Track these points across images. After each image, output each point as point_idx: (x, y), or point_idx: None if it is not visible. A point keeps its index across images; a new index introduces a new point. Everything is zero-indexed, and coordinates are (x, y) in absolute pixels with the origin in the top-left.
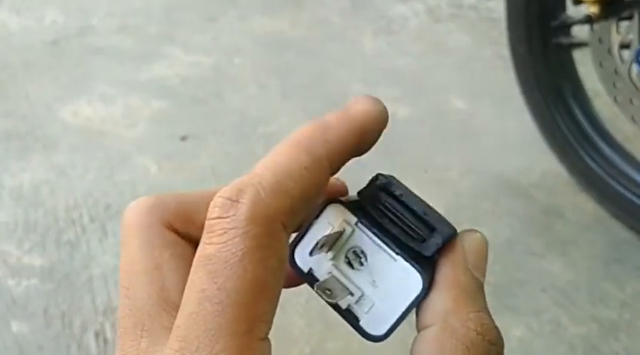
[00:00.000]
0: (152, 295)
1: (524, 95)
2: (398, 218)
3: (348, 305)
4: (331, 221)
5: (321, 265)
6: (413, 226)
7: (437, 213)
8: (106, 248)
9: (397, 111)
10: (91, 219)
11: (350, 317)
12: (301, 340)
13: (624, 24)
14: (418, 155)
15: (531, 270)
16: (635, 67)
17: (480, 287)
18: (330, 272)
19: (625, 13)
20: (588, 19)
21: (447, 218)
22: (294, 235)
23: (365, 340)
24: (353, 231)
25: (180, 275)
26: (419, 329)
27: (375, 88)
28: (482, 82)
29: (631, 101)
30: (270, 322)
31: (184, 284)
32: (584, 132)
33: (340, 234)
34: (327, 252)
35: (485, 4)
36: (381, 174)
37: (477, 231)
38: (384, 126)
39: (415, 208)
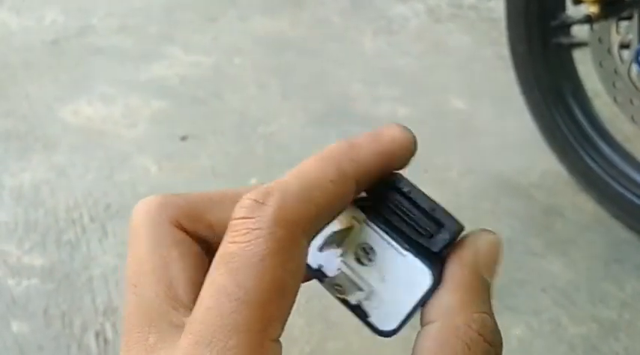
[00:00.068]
0: (160, 293)
1: (524, 95)
2: (406, 214)
3: (358, 301)
4: (340, 218)
5: (331, 261)
6: (421, 222)
7: (444, 209)
8: (106, 248)
9: (397, 111)
10: (91, 218)
11: (360, 312)
12: (301, 340)
13: (624, 24)
14: (418, 155)
15: (531, 270)
16: (634, 67)
17: (487, 289)
18: (339, 269)
19: (625, 13)
20: (588, 19)
21: None
22: None
23: (377, 336)
24: (362, 227)
25: (188, 274)
26: (423, 324)
27: (375, 88)
28: (482, 82)
29: (631, 101)
30: (284, 324)
31: (192, 283)
32: (584, 132)
33: (349, 230)
34: (336, 248)
35: (486, 4)
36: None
37: (492, 232)
38: (412, 153)
39: (423, 205)
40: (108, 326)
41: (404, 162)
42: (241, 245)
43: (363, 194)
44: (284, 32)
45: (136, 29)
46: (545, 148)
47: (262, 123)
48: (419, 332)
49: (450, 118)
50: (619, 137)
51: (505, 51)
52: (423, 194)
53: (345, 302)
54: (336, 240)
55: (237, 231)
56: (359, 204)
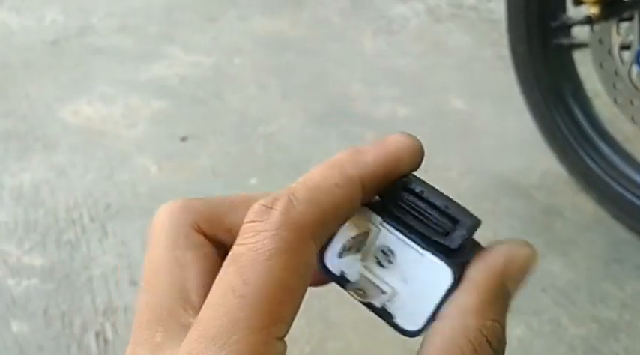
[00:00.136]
0: (172, 293)
1: (525, 95)
2: (421, 214)
3: (382, 304)
4: (357, 223)
5: (352, 267)
6: (437, 221)
7: (459, 205)
8: (106, 248)
9: (397, 111)
10: (91, 218)
11: (385, 314)
12: (301, 340)
13: (624, 25)
14: None
15: None
16: (635, 68)
17: (507, 300)
18: (361, 273)
19: (625, 14)
20: (588, 20)
21: None
22: None
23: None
24: (379, 230)
25: (202, 277)
26: (435, 318)
27: (375, 88)
28: (483, 82)
29: (631, 102)
30: (289, 325)
31: (204, 286)
32: (584, 132)
33: (367, 234)
34: (355, 253)
35: (486, 4)
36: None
37: (531, 246)
38: (419, 157)
39: (437, 203)
40: (108, 326)
41: (412, 165)
42: (249, 246)
43: (378, 198)
44: (284, 32)
45: (136, 29)
46: (545, 148)
47: (262, 123)
48: (431, 325)
49: (450, 118)
50: (619, 138)
51: (505, 51)
52: (437, 192)
53: (369, 305)
54: (355, 245)
55: (246, 233)
56: (374, 208)
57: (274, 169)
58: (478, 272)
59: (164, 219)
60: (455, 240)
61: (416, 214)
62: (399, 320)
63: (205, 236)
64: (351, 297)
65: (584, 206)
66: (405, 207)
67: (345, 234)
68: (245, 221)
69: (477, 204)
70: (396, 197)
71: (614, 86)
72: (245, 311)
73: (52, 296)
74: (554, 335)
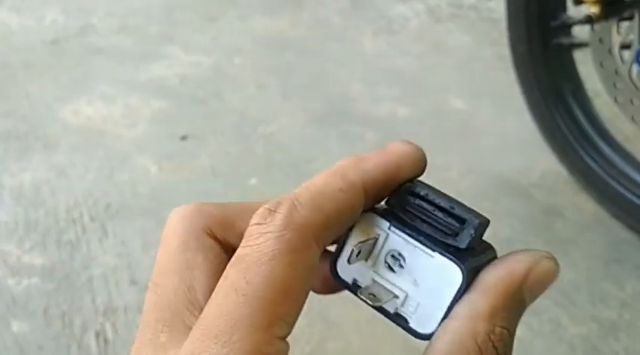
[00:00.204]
0: (179, 294)
1: (525, 95)
2: (428, 216)
3: (396, 309)
4: (365, 229)
5: (364, 274)
6: (444, 222)
7: (464, 205)
8: (106, 248)
9: (397, 111)
10: (91, 218)
11: (399, 320)
12: (302, 340)
13: (625, 24)
14: None
15: None
16: (635, 68)
17: (521, 309)
18: (373, 279)
19: (625, 14)
20: (589, 20)
21: None
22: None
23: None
24: (387, 235)
25: (210, 279)
26: (446, 315)
27: (375, 88)
28: (483, 82)
29: (631, 101)
30: (291, 326)
31: (213, 287)
32: (584, 132)
33: (375, 240)
34: (366, 260)
35: (486, 4)
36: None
37: (554, 259)
38: (421, 163)
39: (443, 204)
40: (108, 326)
41: (415, 172)
42: (253, 247)
43: (384, 205)
44: (284, 32)
45: (136, 29)
46: (546, 148)
47: (262, 123)
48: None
49: (450, 118)
50: (619, 137)
51: (505, 51)
52: (441, 194)
53: (383, 311)
54: (364, 251)
55: (250, 235)
56: (381, 213)
57: (274, 169)
58: (496, 277)
59: (177, 221)
60: (463, 239)
61: (423, 217)
62: (413, 324)
63: (217, 240)
64: (352, 297)
65: (584, 206)
66: (412, 210)
67: (354, 241)
68: (250, 224)
69: (477, 204)
70: (402, 202)
71: (614, 85)
72: (247, 310)
73: (52, 296)
74: (555, 334)
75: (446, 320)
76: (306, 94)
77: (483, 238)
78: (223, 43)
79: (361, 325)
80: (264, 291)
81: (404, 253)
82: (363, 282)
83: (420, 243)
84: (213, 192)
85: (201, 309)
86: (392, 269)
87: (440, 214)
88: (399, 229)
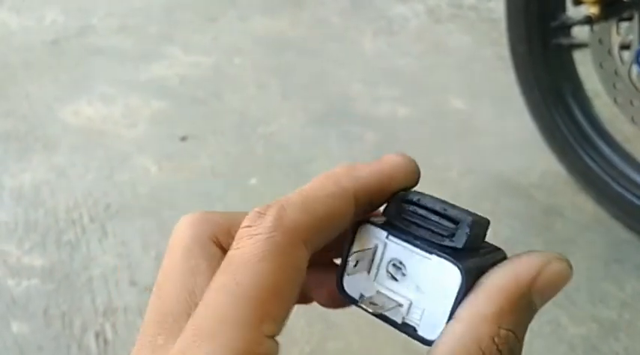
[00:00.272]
0: (180, 299)
1: (524, 95)
2: (423, 221)
3: (403, 318)
4: (363, 241)
5: (368, 286)
6: (438, 225)
7: (456, 206)
8: (105, 248)
9: (397, 112)
10: (91, 219)
11: (408, 329)
12: (302, 340)
13: (624, 25)
14: (418, 155)
15: None
16: (635, 68)
17: (529, 312)
18: (377, 290)
19: (625, 14)
20: (588, 20)
21: None
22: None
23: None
24: (385, 245)
25: None
26: (450, 317)
27: (375, 88)
28: (483, 82)
29: (631, 102)
30: (280, 325)
31: None
32: (583, 132)
33: (374, 250)
34: (368, 272)
35: (486, 4)
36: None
37: (566, 261)
38: (415, 177)
39: (435, 208)
40: (108, 327)
41: (408, 183)
42: (242, 249)
43: (382, 217)
44: (284, 32)
45: (136, 29)
46: (545, 148)
47: (262, 124)
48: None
49: (449, 118)
50: (619, 137)
51: (505, 51)
52: (433, 198)
53: (391, 322)
54: (364, 263)
55: (240, 238)
56: (379, 224)
57: (274, 169)
58: (502, 278)
59: (183, 229)
60: (459, 239)
61: (418, 222)
62: (421, 332)
63: (221, 248)
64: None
65: (584, 206)
66: (407, 217)
67: (354, 253)
68: (241, 226)
69: (477, 204)
70: (397, 210)
71: (614, 86)
72: (236, 309)
73: (52, 296)
74: (554, 335)
75: (450, 322)
76: (306, 94)
77: (490, 242)
78: (223, 43)
79: (361, 326)
80: (253, 291)
81: (403, 260)
82: (367, 294)
83: (417, 247)
84: (213, 193)
85: None
86: (395, 279)
87: (435, 217)
88: (396, 237)
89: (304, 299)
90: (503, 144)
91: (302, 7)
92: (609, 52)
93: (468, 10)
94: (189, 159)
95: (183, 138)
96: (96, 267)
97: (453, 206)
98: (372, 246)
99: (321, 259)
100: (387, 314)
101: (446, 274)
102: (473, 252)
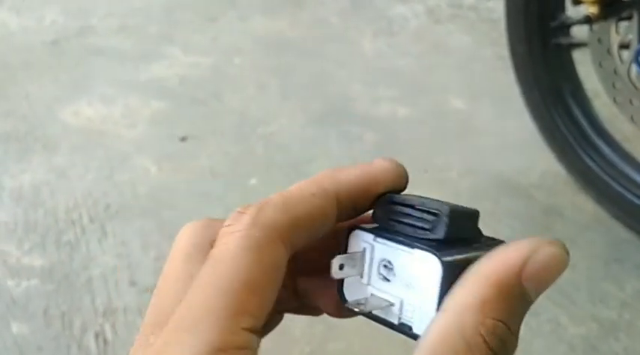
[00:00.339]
0: (177, 301)
1: (524, 95)
2: (408, 219)
3: (399, 319)
4: (354, 247)
5: (364, 291)
6: (419, 220)
7: (433, 200)
8: (105, 248)
9: (397, 112)
10: (91, 219)
11: (404, 328)
12: (302, 341)
13: (623, 24)
14: (418, 155)
15: None
16: (634, 68)
17: (522, 301)
18: (371, 293)
19: (624, 14)
20: (587, 20)
21: None
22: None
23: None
24: (373, 246)
25: None
26: (437, 309)
27: (375, 89)
28: (482, 83)
29: (630, 101)
30: (259, 319)
31: None
32: (583, 132)
33: (363, 254)
34: (360, 276)
35: (485, 4)
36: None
37: (561, 245)
38: (402, 182)
39: (415, 204)
40: (107, 327)
41: (395, 187)
42: (221, 246)
43: (375, 225)
44: (284, 32)
45: (136, 29)
46: (545, 148)
47: (262, 124)
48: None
49: (449, 118)
50: (618, 137)
51: (505, 51)
52: (413, 196)
53: (387, 323)
54: (353, 267)
55: (221, 236)
56: (367, 229)
57: (274, 169)
58: (488, 266)
59: (186, 235)
60: (439, 230)
61: (403, 220)
62: (416, 330)
63: None
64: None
65: (584, 205)
66: (393, 218)
67: (337, 256)
68: (223, 226)
69: (477, 204)
70: (384, 213)
71: (613, 85)
72: (213, 302)
73: (52, 296)
74: (554, 334)
75: (436, 314)
76: (306, 94)
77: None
78: (223, 43)
79: (362, 326)
80: (229, 284)
81: (391, 259)
82: (362, 299)
83: (400, 244)
84: (213, 193)
85: None
86: (387, 279)
87: (417, 213)
88: (382, 237)
89: (313, 310)
90: (503, 144)
91: (302, 8)
92: (608, 51)
93: (468, 10)
94: (189, 159)
95: (183, 139)
96: (95, 267)
97: (431, 199)
98: (360, 249)
99: (327, 269)
100: (381, 315)
101: (429, 266)
102: (460, 243)
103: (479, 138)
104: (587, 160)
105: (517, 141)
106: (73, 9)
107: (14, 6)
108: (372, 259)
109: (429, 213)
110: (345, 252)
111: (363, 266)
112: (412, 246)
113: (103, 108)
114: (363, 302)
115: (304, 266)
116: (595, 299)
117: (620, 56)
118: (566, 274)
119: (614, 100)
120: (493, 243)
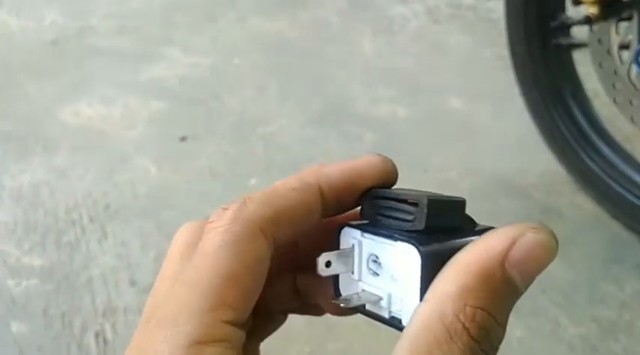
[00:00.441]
0: None
1: (524, 95)
2: (388, 211)
3: (390, 313)
4: (344, 244)
5: (356, 287)
6: (401, 213)
7: (414, 191)
8: (105, 248)
9: (397, 112)
10: (91, 219)
11: (395, 322)
12: (301, 341)
13: (623, 25)
14: (418, 155)
15: None
16: (634, 68)
17: (507, 290)
18: (362, 289)
19: (624, 14)
20: (587, 20)
21: None
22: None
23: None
24: (360, 242)
25: None
26: (421, 300)
27: (374, 89)
28: (482, 83)
29: (630, 102)
30: (240, 312)
31: None
32: (583, 132)
33: (352, 250)
34: (352, 273)
35: (485, 4)
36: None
37: (546, 231)
38: (391, 177)
39: (396, 197)
40: (107, 327)
41: (383, 182)
42: (204, 242)
43: (365, 221)
44: (283, 33)
45: (136, 30)
46: (545, 148)
47: (262, 124)
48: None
49: (449, 118)
50: (618, 137)
51: (504, 51)
52: (396, 189)
53: (379, 318)
54: (342, 263)
55: (206, 233)
56: (356, 225)
57: (274, 170)
58: (470, 254)
59: (183, 235)
60: (420, 220)
61: (385, 214)
62: (404, 322)
63: None
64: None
65: (583, 206)
66: (380, 212)
67: (323, 254)
68: (207, 223)
69: (477, 204)
70: (370, 208)
71: (613, 86)
72: (192, 296)
73: (52, 296)
74: (554, 335)
75: (418, 304)
76: (306, 95)
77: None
78: (222, 43)
79: (361, 326)
80: (209, 279)
81: (378, 253)
82: (354, 295)
83: (384, 237)
84: (212, 193)
85: None
86: (376, 274)
87: (400, 206)
88: (368, 232)
89: (314, 310)
90: (503, 144)
91: (301, 8)
92: (608, 51)
93: (467, 10)
94: (189, 159)
95: (183, 139)
96: (95, 267)
97: (408, 191)
98: (349, 246)
99: None
100: (374, 310)
101: (410, 257)
102: (444, 233)
103: (478, 138)
104: (587, 161)
105: (516, 141)
106: (73, 9)
107: (14, 6)
108: (360, 254)
109: (409, 204)
110: (337, 249)
111: (353, 262)
112: (395, 239)
113: (102, 109)
114: (353, 297)
115: (304, 265)
116: (595, 300)
117: (620, 57)
118: (565, 274)
119: (614, 101)
120: (483, 231)
